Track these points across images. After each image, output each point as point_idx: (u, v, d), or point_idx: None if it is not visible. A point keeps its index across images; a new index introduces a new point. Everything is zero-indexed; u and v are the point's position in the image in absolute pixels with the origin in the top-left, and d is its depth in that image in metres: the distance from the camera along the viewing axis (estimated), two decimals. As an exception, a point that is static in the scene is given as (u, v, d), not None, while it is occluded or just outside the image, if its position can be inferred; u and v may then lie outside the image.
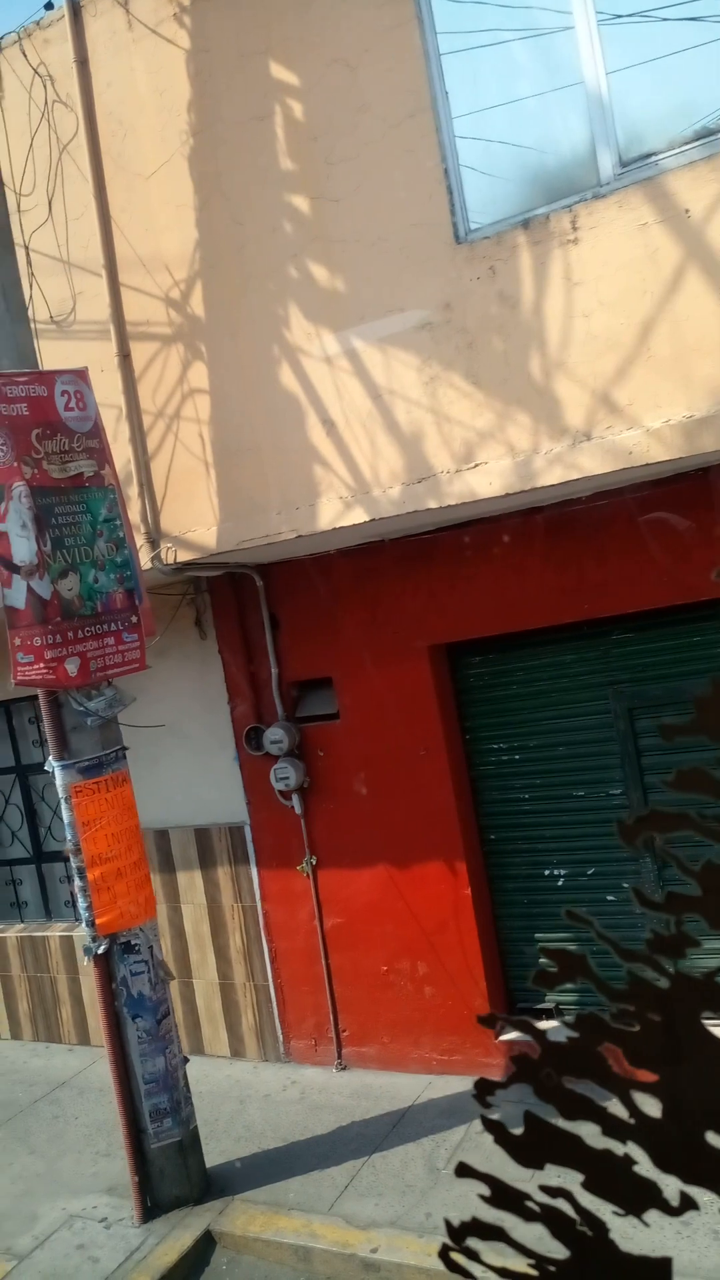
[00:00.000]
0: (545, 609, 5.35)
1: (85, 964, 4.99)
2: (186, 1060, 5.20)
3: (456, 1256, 0.96)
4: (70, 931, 7.35)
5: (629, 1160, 0.91)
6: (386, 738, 5.99)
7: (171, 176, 5.17)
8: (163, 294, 5.27)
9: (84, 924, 4.95)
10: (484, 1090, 0.97)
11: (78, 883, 4.93)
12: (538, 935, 5.92)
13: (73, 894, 6.92)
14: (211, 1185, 5.20)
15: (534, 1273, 0.93)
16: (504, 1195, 0.93)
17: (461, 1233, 0.96)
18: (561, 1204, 0.94)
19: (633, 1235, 0.99)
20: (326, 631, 6.12)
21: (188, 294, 5.20)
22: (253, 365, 5.08)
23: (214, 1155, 5.42)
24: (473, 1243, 0.95)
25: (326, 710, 6.27)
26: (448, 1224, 0.97)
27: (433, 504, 4.62)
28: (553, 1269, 0.92)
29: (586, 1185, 0.92)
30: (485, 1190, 0.96)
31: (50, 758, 4.95)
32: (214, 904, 6.71)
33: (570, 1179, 0.94)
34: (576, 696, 5.64)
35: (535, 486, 4.36)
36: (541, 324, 4.32)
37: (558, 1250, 0.92)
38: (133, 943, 4.94)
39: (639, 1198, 0.90)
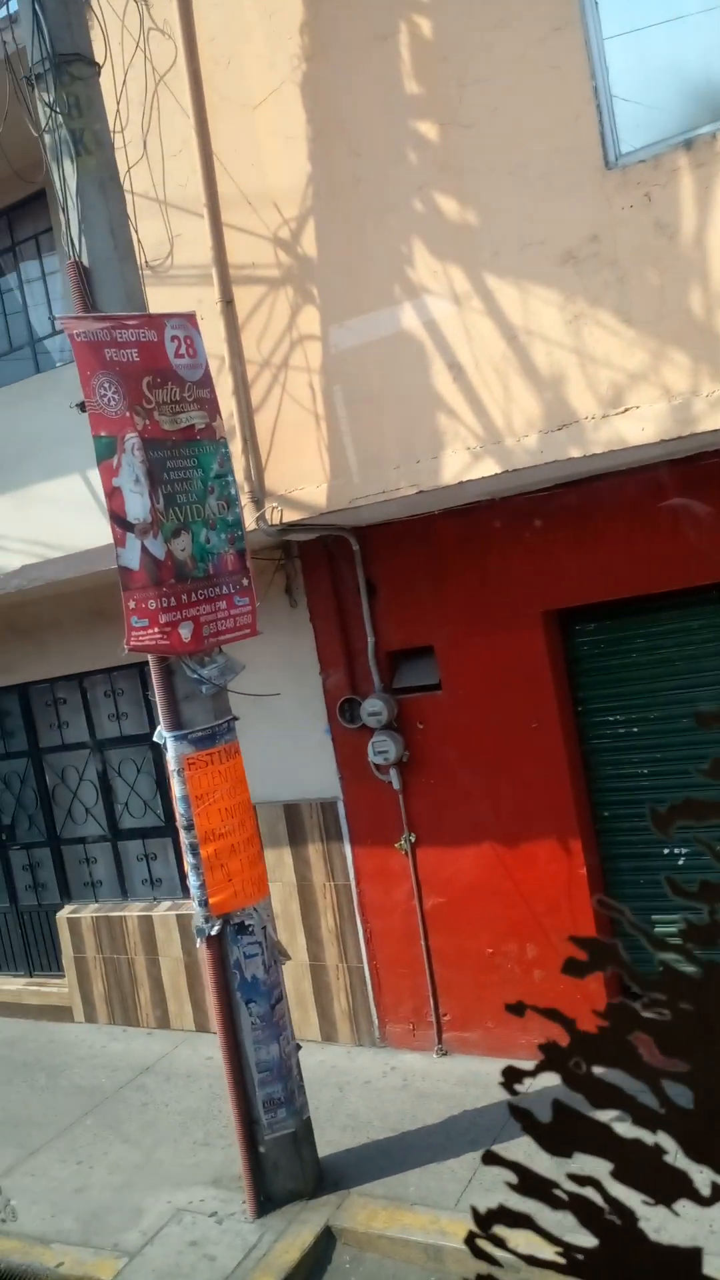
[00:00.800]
0: (677, 571, 5.00)
1: (198, 944, 4.71)
2: (299, 1047, 4.93)
3: (483, 1243, 0.93)
4: (149, 911, 7.10)
5: (659, 1149, 0.87)
6: (493, 709, 5.68)
7: (281, 106, 4.82)
8: (270, 234, 4.92)
9: (196, 904, 4.67)
10: (512, 1078, 0.95)
11: (189, 860, 4.64)
12: (655, 917, 5.61)
13: (183, 872, 6.67)
14: (324, 1178, 4.94)
15: (562, 1260, 0.90)
16: (532, 1183, 0.92)
17: (488, 1220, 0.93)
18: (590, 1193, 0.92)
19: (664, 1225, 0.96)
20: (428, 598, 5.80)
21: (298, 233, 4.86)
22: (370, 308, 4.74)
23: (321, 1146, 5.15)
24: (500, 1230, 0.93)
25: (427, 681, 5.96)
26: (474, 1211, 0.95)
27: (575, 453, 4.28)
28: (581, 1257, 0.90)
29: (616, 1174, 0.90)
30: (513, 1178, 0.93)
31: (161, 728, 4.66)
32: (304, 882, 6.43)
33: (599, 1168, 0.91)
34: (703, 665, 5.30)
35: (695, 432, 4.01)
36: (704, 255, 3.96)
37: (586, 1239, 0.90)
38: (246, 923, 4.67)
39: (669, 1187, 0.87)
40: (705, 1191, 0.88)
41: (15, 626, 7.42)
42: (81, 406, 4.52)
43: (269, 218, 4.91)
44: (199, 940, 4.67)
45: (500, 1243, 0.94)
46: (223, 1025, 4.67)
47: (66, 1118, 6.09)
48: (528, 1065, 0.96)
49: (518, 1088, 0.94)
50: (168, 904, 7.13)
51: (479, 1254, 0.95)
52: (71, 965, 7.47)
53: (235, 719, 4.80)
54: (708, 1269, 0.87)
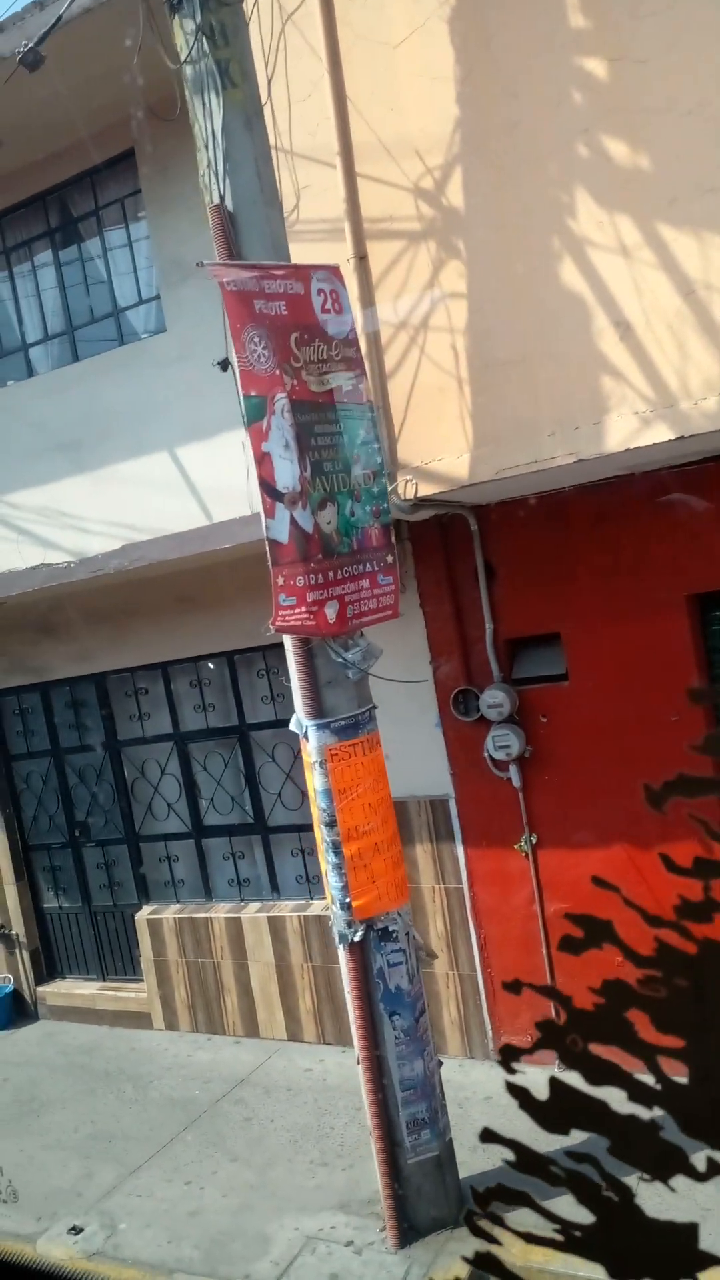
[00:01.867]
0: None
1: (339, 951, 4.35)
2: (440, 1063, 4.57)
3: (482, 1222, 0.95)
4: (237, 913, 6.74)
5: (655, 1126, 0.87)
6: (627, 701, 5.30)
7: (425, 44, 4.45)
8: (410, 184, 4.55)
9: (336, 907, 4.30)
10: (508, 1056, 0.96)
11: (329, 860, 4.28)
12: None
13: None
14: (465, 1204, 4.57)
15: (559, 1238, 0.91)
16: (529, 1161, 0.92)
17: (487, 1198, 0.94)
18: (587, 1169, 0.92)
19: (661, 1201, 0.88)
20: (555, 581, 5.43)
21: (442, 182, 4.49)
22: (523, 262, 4.37)
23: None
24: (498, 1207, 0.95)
25: (551, 671, 5.59)
26: (473, 1190, 0.96)
27: (765, 418, 3.90)
28: (578, 1234, 0.91)
29: (612, 1151, 0.90)
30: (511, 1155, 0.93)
31: (299, 717, 4.30)
32: (411, 885, 6.04)
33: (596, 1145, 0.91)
34: None
35: None
36: None
37: (583, 1216, 0.92)
38: (390, 929, 4.30)
39: (665, 1163, 0.87)
40: (701, 1167, 0.88)
41: (95, 613, 7.06)
42: (223, 365, 4.18)
43: (409, 167, 4.54)
44: (340, 947, 4.31)
45: (499, 1220, 0.95)
46: (364, 1040, 4.30)
47: (164, 1133, 5.74)
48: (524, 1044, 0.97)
49: (515, 1065, 0.95)
50: (256, 905, 6.78)
51: (478, 1232, 0.96)
52: (151, 969, 7.12)
53: (374, 708, 4.43)
54: (703, 1243, 0.88)
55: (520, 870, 5.70)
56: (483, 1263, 0.94)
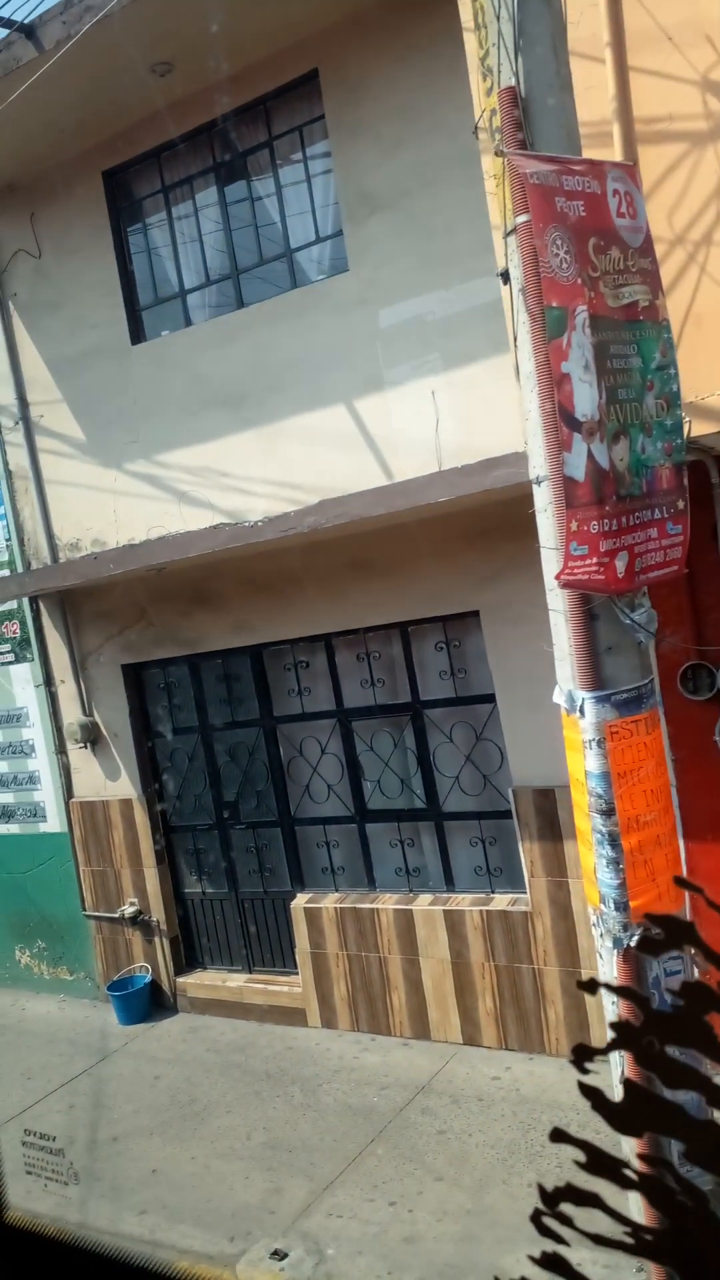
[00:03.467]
0: None
1: (611, 957, 3.80)
2: (712, 1087, 3.99)
3: (549, 1221, 0.92)
4: (407, 905, 6.22)
5: None
6: None
7: None
8: (698, 76, 3.95)
9: (610, 906, 3.74)
10: (582, 1056, 0.93)
11: (604, 853, 3.71)
12: None
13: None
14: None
15: (630, 1240, 0.91)
16: (601, 1162, 0.90)
17: (555, 1198, 0.92)
18: (661, 1173, 0.90)
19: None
20: None
21: (738, 73, 3.87)
22: None
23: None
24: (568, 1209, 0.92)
25: None
26: (540, 1189, 0.93)
27: None
28: (649, 1238, 0.90)
29: (687, 1155, 0.87)
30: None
31: (568, 688, 3.74)
32: (618, 881, 5.47)
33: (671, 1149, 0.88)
34: None
35: None
36: None
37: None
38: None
39: None
40: None
41: (254, 580, 6.58)
42: (504, 276, 3.61)
43: (697, 55, 3.94)
44: (615, 952, 3.75)
45: (568, 1221, 0.92)
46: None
47: (349, 1144, 5.24)
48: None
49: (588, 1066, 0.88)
50: (429, 897, 6.25)
51: (545, 1232, 0.93)
52: (308, 962, 6.63)
53: (654, 679, 3.86)
54: None
55: (752, 869, 5.11)
56: (550, 1264, 0.92)
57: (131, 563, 5.95)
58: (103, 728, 7.42)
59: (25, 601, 7.57)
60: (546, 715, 5.59)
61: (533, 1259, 0.94)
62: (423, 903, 6.22)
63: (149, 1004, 7.32)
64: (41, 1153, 5.18)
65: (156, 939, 7.38)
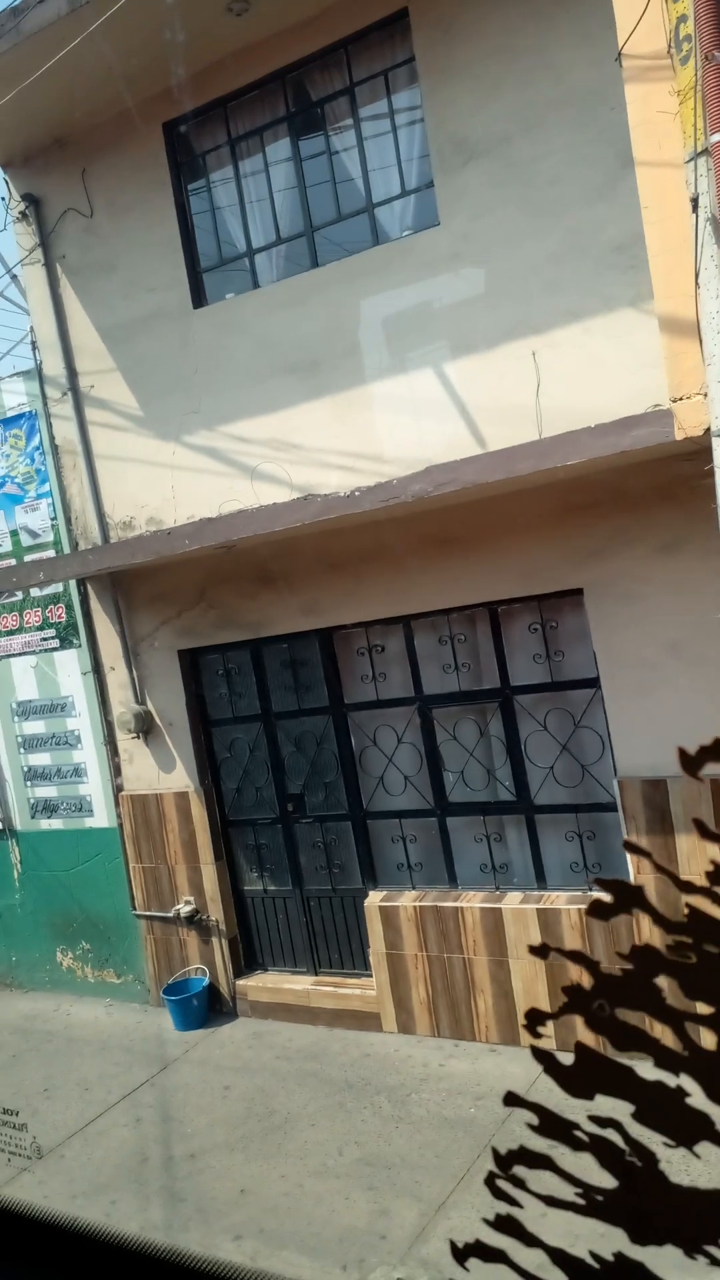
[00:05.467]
0: None
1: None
2: None
3: (503, 1184, 0.94)
4: (496, 903, 5.85)
5: (681, 1092, 0.88)
6: None
7: None
8: None
9: None
10: (534, 1020, 0.96)
11: None
12: None
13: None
14: None
15: (581, 1201, 0.91)
16: (553, 1124, 0.92)
17: (509, 1161, 0.94)
18: (611, 1134, 0.92)
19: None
20: None
21: None
22: None
23: None
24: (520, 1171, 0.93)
25: None
26: (495, 1152, 0.95)
27: None
28: (600, 1198, 0.91)
29: (637, 1116, 0.89)
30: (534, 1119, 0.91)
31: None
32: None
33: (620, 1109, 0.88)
34: None
35: None
36: None
37: (606, 1180, 0.91)
38: None
39: (690, 1130, 0.88)
40: None
41: (325, 559, 6.19)
42: (693, 203, 3.24)
43: None
44: None
45: (520, 1183, 0.94)
46: None
47: (453, 1161, 4.87)
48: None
49: (540, 1030, 0.92)
50: (518, 895, 5.88)
51: (499, 1194, 0.95)
52: (383, 963, 6.25)
53: None
54: None
55: None
56: (502, 1226, 0.93)
57: (210, 538, 5.54)
58: (156, 717, 7.02)
59: (73, 584, 7.16)
60: (658, 700, 5.25)
61: (486, 1221, 0.94)
62: (512, 900, 5.85)
63: (207, 1008, 6.92)
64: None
65: (214, 939, 6.99)
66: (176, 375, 6.52)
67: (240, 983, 6.94)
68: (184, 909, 6.99)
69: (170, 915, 7.07)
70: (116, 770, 7.25)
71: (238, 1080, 6.03)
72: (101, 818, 7.38)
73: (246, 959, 7.08)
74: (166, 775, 7.04)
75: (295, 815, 6.72)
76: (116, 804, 7.26)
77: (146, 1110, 5.87)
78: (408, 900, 6.18)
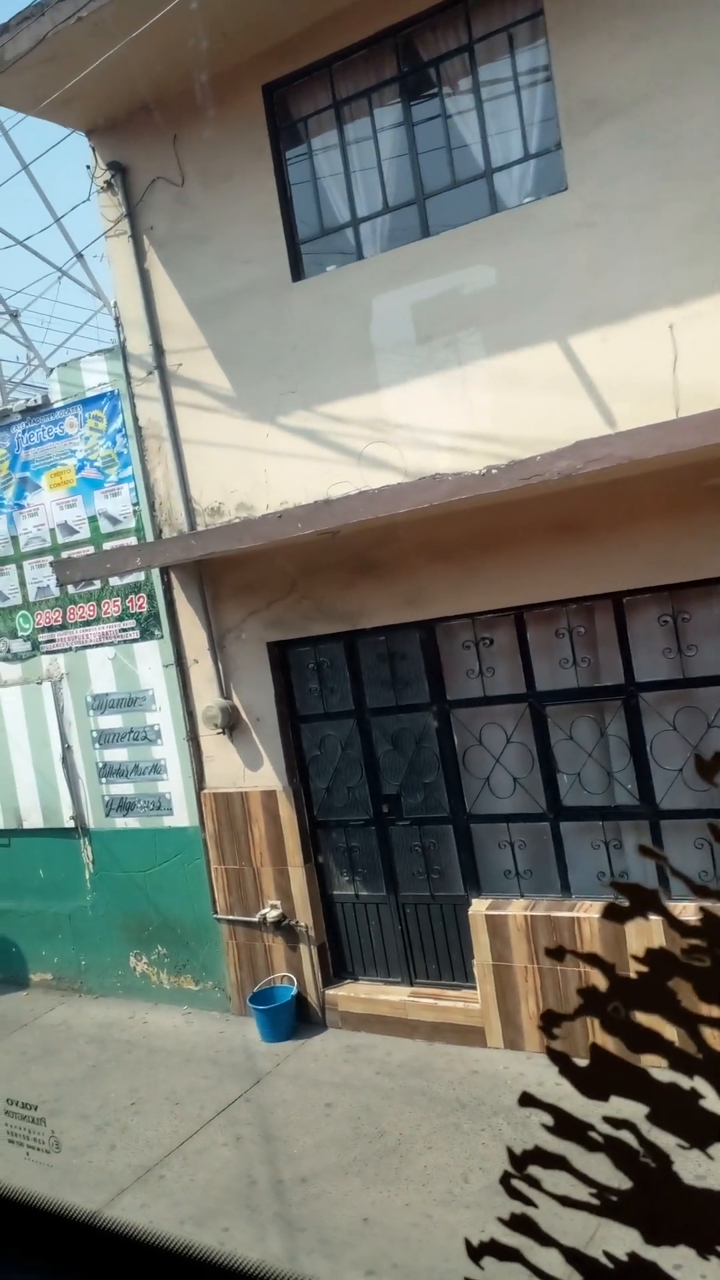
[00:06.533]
0: None
1: None
2: None
3: (518, 1183, 0.93)
4: (616, 914, 5.49)
5: (695, 1094, 0.87)
6: None
7: None
8: None
9: None
10: (550, 1022, 0.95)
11: None
12: None
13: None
14: None
15: (596, 1202, 0.91)
16: (567, 1125, 0.92)
17: (524, 1161, 0.94)
18: (625, 1135, 0.91)
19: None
20: None
21: None
22: None
23: None
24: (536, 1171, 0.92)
25: None
26: (509, 1152, 0.94)
27: None
28: (614, 1199, 0.91)
29: (651, 1118, 0.88)
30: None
31: None
32: None
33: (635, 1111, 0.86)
34: None
35: None
36: None
37: (620, 1181, 0.89)
38: None
39: (705, 1132, 0.86)
40: None
41: (432, 546, 5.85)
42: None
43: None
44: None
45: (535, 1183, 0.93)
46: None
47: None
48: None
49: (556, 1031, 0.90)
50: (640, 905, 5.52)
51: (514, 1194, 0.93)
52: (489, 975, 5.91)
53: None
54: None
55: None
56: (518, 1225, 0.91)
57: (326, 521, 5.21)
58: (243, 712, 6.70)
59: (155, 573, 6.85)
60: None
61: (502, 1220, 0.94)
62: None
63: (294, 1018, 6.60)
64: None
65: (302, 946, 6.66)
66: (272, 353, 6.19)
67: (330, 992, 6.61)
68: (270, 913, 6.67)
69: (255, 920, 6.76)
70: (199, 767, 6.93)
71: (339, 1097, 5.71)
72: (181, 816, 7.07)
73: (335, 967, 6.75)
74: (252, 773, 6.72)
75: (391, 817, 6.39)
76: (198, 802, 6.94)
77: (245, 1128, 5.55)
78: (517, 909, 5.84)
